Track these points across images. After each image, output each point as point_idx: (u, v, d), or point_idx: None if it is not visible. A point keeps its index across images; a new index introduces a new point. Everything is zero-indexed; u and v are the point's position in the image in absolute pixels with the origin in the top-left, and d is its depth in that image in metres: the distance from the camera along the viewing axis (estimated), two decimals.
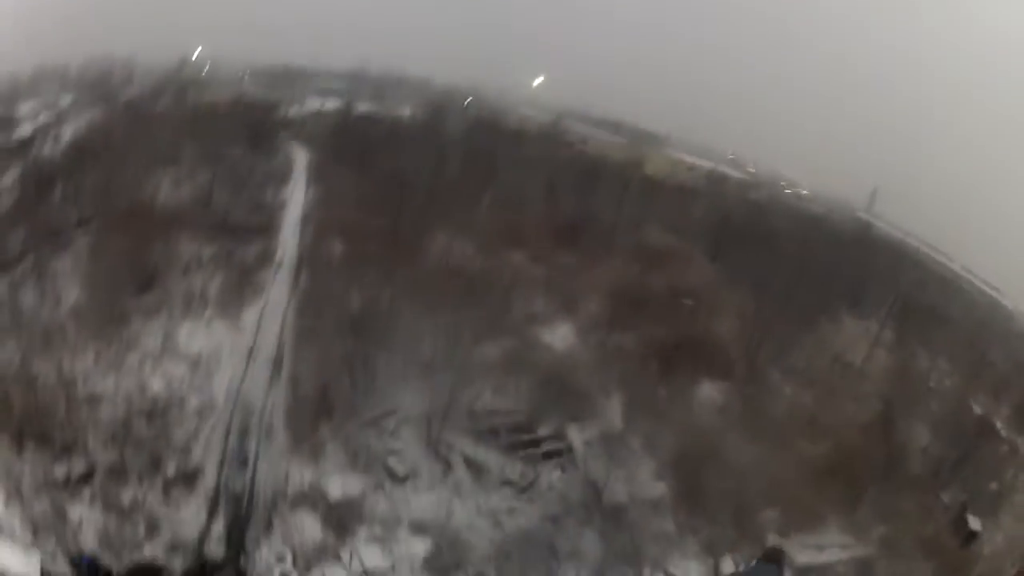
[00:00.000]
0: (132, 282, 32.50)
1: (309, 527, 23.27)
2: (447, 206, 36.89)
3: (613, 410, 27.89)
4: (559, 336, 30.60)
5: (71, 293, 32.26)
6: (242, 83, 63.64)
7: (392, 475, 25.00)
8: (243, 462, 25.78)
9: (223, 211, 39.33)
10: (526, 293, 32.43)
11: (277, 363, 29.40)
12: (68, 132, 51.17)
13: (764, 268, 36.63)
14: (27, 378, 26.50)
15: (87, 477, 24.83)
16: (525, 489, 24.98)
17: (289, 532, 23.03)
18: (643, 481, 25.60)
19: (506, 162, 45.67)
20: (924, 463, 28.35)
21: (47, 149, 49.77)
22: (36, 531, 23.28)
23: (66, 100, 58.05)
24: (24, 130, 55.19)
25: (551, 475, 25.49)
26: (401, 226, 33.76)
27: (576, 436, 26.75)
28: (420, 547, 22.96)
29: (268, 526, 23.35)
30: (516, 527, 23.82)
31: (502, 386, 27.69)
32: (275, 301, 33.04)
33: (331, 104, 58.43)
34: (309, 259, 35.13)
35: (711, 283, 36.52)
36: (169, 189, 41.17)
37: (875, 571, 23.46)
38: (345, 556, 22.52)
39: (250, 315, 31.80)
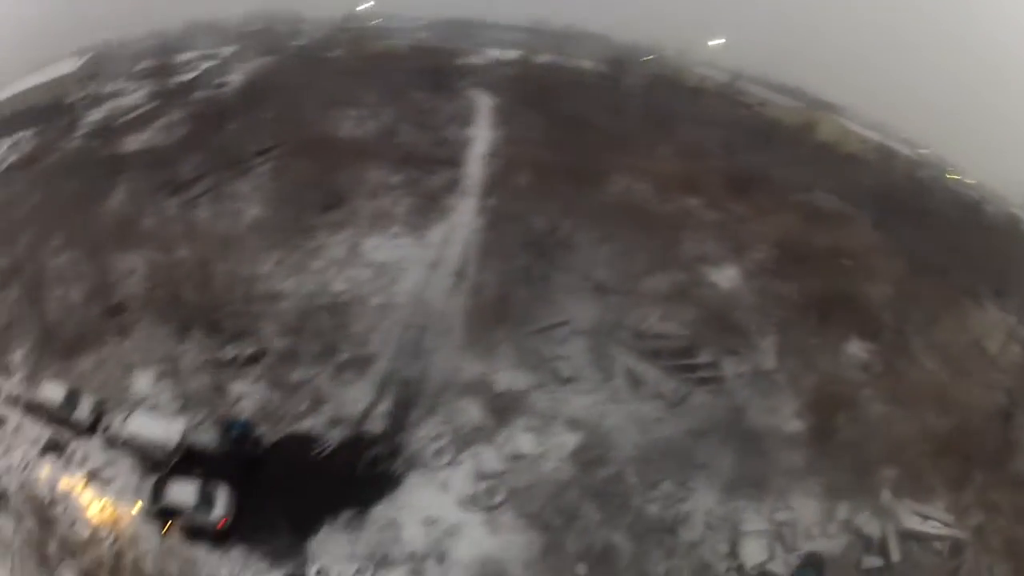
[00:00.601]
0: (318, 202, 36.03)
1: (471, 412, 26.18)
2: (627, 151, 38.95)
3: (767, 349, 29.45)
4: (725, 276, 32.25)
5: (252, 210, 36.31)
6: (417, 34, 66.84)
7: (557, 376, 27.60)
8: (416, 354, 28.49)
9: (409, 145, 41.98)
10: (698, 235, 34.19)
11: (459, 274, 32.10)
12: (238, 76, 55.79)
13: (921, 243, 37.73)
14: (202, 277, 30.55)
15: (255, 359, 28.58)
16: (675, 404, 27.14)
17: (451, 415, 26.03)
18: (783, 416, 27.11)
19: (684, 116, 47.11)
20: None
21: (216, 90, 55.13)
22: (186, 404, 27.23)
23: (227, 50, 62.77)
24: (185, 76, 60.74)
25: (701, 396, 27.45)
26: (583, 164, 36.10)
27: (730, 368, 28.57)
28: (571, 440, 25.37)
29: (432, 409, 26.29)
30: (661, 435, 25.95)
31: (668, 314, 29.79)
32: (461, 222, 35.57)
33: (511, 54, 60.08)
34: (495, 187, 37.55)
35: (871, 248, 36.79)
36: (352, 126, 44.49)
37: (965, 557, 23.91)
38: (499, 440, 25.26)
39: (436, 233, 34.57)
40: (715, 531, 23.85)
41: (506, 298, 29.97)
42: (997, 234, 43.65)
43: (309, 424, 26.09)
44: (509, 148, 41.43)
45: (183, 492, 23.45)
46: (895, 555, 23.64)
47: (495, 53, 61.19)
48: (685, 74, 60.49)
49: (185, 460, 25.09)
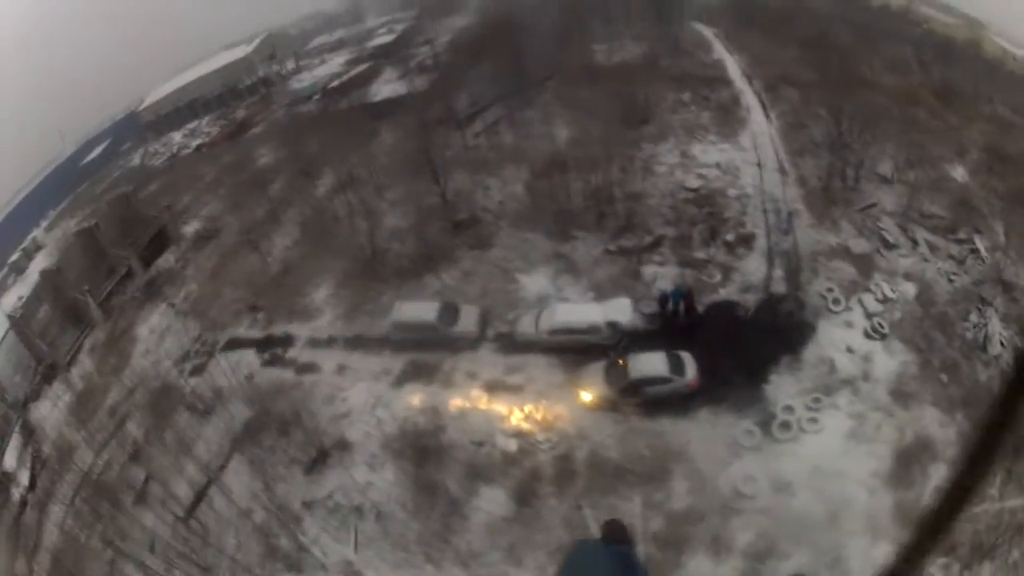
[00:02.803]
0: (627, 117, 41.44)
1: (845, 270, 33.03)
2: (855, 65, 46.80)
3: (998, 230, 38.16)
4: (958, 173, 40.76)
5: (561, 132, 42.14)
6: None
7: (885, 243, 36.10)
8: (784, 231, 34.53)
9: (678, 68, 48.66)
10: (931, 139, 42.31)
11: (782, 171, 38.76)
12: (441, 31, 63.54)
13: None
14: (552, 186, 36.77)
15: (656, 244, 34.33)
16: (961, 263, 36.35)
17: (831, 273, 32.76)
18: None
19: (881, 34, 53.98)
20: None
21: (426, 46, 59.65)
22: (600, 292, 31.97)
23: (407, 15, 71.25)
24: (382, 39, 65.43)
25: (971, 260, 37.01)
26: (831, 78, 43.52)
27: (979, 242, 37.33)
28: (911, 289, 33.07)
29: (815, 271, 32.77)
30: (960, 284, 34.83)
31: (933, 199, 38.71)
32: (759, 130, 41.87)
33: None
34: (772, 100, 45.12)
35: None
36: (605, 55, 51.54)
37: None
38: (872, 288, 32.61)
39: (744, 139, 41.15)
40: (1006, 347, 35.10)
41: (827, 188, 38.19)
42: None
43: (726, 292, 32.20)
44: (760, 68, 49.41)
45: (653, 363, 27.14)
46: None
47: None
48: None
49: (626, 339, 29.49)
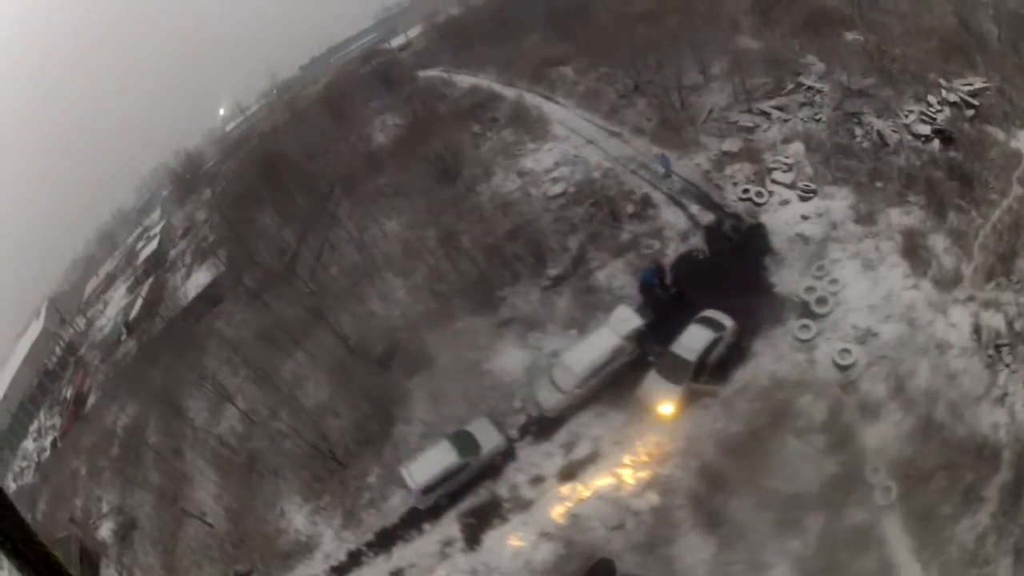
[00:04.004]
0: (441, 176, 46.41)
1: (739, 168, 38.81)
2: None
3: (813, 60, 44.64)
4: (744, 41, 47.47)
5: (389, 225, 46.23)
6: None
7: (748, 129, 41.88)
8: (666, 174, 39.05)
9: (448, 110, 55.16)
10: (705, 32, 46.37)
11: (614, 134, 45.14)
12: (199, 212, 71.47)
13: None
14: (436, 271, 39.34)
15: (580, 255, 37.44)
16: (810, 104, 42.45)
17: (732, 178, 38.33)
18: None
19: None
20: None
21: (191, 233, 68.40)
22: (579, 324, 34.02)
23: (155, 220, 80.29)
24: (148, 248, 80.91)
25: (814, 94, 43.13)
26: (579, 41, 51.34)
27: (807, 80, 43.34)
28: (799, 147, 38.66)
29: (718, 185, 38.34)
30: (826, 117, 40.64)
31: (747, 75, 44.00)
32: (561, 117, 48.78)
33: None
34: (548, 90, 52.42)
35: None
36: (380, 135, 57.99)
37: None
38: (772, 165, 38.55)
39: (558, 130, 47.40)
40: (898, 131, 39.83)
41: (665, 122, 44.00)
42: None
43: (673, 249, 35.97)
44: (510, 71, 57.51)
45: (693, 337, 29.09)
46: None
47: None
48: None
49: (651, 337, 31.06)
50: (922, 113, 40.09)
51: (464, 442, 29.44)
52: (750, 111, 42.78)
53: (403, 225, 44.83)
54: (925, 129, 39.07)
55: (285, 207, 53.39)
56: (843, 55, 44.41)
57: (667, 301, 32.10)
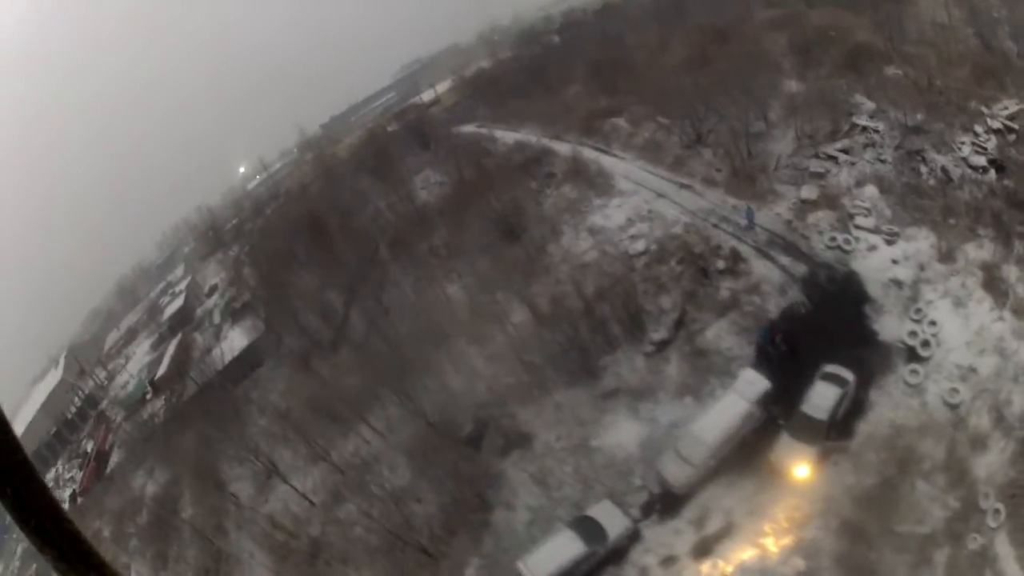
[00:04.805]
0: (505, 234, 46.72)
1: (821, 216, 41.50)
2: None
3: (863, 99, 47.83)
4: (792, 86, 50.76)
5: (452, 289, 46.32)
6: None
7: (819, 175, 44.08)
8: (749, 226, 40.73)
9: (501, 165, 56.93)
10: (753, 75, 48.13)
11: (684, 186, 47.45)
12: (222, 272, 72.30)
13: None
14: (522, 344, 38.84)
15: (680, 319, 37.97)
16: (872, 145, 45.37)
17: (816, 226, 40.20)
18: None
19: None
20: None
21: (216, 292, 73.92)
22: (693, 391, 34.56)
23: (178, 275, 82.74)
24: (173, 305, 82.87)
25: (873, 135, 46.17)
26: (628, 89, 53.36)
27: (860, 120, 46.24)
28: (873, 190, 41.17)
29: (803, 235, 39.96)
30: (891, 157, 43.59)
31: (805, 119, 46.87)
32: (623, 170, 50.53)
33: None
34: (603, 143, 54.79)
35: None
36: (427, 193, 59.36)
37: None
38: (851, 210, 40.58)
39: (623, 184, 49.34)
40: (959, 166, 42.68)
41: (736, 172, 45.98)
42: None
43: (774, 305, 37.25)
44: (554, 124, 60.36)
45: (822, 393, 29.89)
46: None
47: None
48: None
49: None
50: (974, 144, 43.26)
51: (589, 529, 28.09)
52: (817, 156, 44.92)
53: (467, 288, 44.06)
54: (981, 160, 42.17)
55: (326, 267, 52.17)
56: (888, 91, 47.74)
57: (781, 359, 32.92)
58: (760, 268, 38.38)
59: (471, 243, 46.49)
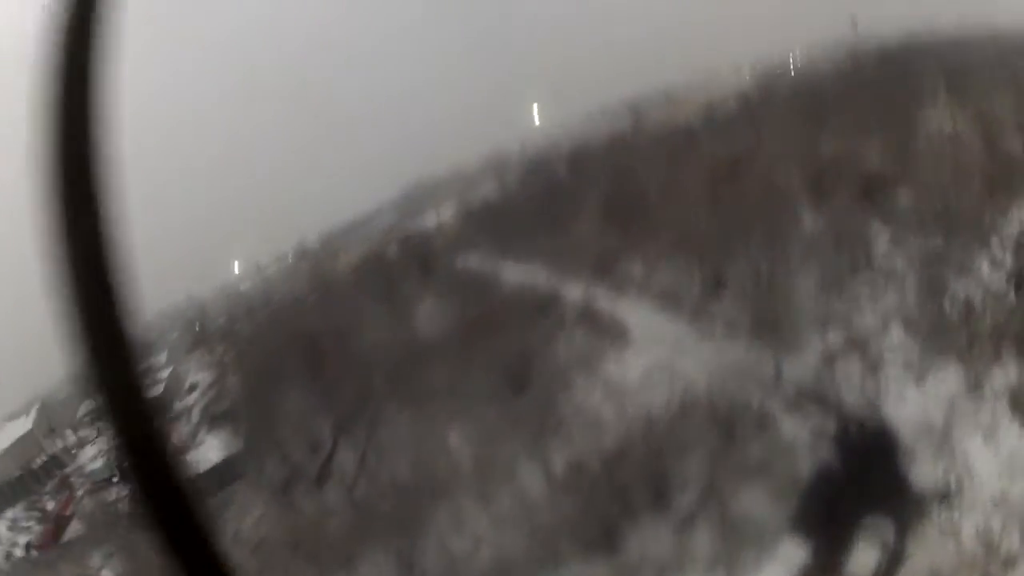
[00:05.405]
0: (512, 383, 44.87)
1: (851, 366, 40.51)
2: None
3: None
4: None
5: (450, 435, 44.01)
6: None
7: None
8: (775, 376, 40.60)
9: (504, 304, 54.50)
10: None
11: (707, 335, 46.65)
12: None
13: None
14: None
15: (708, 489, 36.60)
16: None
17: (846, 376, 39.50)
18: None
19: None
20: None
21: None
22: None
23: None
24: None
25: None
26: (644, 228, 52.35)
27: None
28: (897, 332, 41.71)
29: (831, 378, 40.01)
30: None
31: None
32: (638, 320, 48.73)
33: None
34: (615, 288, 52.57)
35: None
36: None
37: None
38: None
39: (639, 332, 48.63)
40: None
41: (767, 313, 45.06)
42: None
43: (811, 458, 37.52)
44: (566, 259, 57.67)
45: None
46: None
47: None
48: None
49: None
50: (991, 262, 43.64)
51: None
52: (840, 297, 45.20)
53: (469, 437, 42.05)
54: (999, 279, 42.41)
55: (317, 392, 50.34)
56: (904, 217, 48.19)
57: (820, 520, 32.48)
58: (788, 427, 37.34)
59: (475, 388, 43.92)
